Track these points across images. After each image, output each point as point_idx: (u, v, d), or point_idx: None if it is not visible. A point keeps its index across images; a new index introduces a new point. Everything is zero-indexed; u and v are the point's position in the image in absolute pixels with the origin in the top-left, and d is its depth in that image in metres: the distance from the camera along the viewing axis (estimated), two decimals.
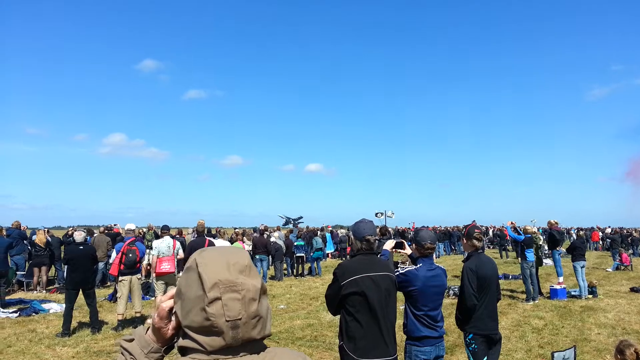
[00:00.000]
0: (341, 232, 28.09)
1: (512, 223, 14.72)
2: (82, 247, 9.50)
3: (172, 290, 1.28)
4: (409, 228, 30.91)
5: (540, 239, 13.50)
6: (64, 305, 9.89)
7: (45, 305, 11.70)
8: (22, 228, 15.50)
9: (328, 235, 25.74)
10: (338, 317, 3.74)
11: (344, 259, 26.06)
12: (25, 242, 14.78)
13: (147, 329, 1.33)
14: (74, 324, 9.38)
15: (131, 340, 1.31)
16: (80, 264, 9.27)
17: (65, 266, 12.66)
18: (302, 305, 12.28)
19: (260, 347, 1.21)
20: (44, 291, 14.45)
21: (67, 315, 9.04)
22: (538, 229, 15.12)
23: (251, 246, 16.65)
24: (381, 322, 3.57)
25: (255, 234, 20.88)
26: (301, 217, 63.58)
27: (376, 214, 29.01)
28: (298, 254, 18.97)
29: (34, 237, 15.07)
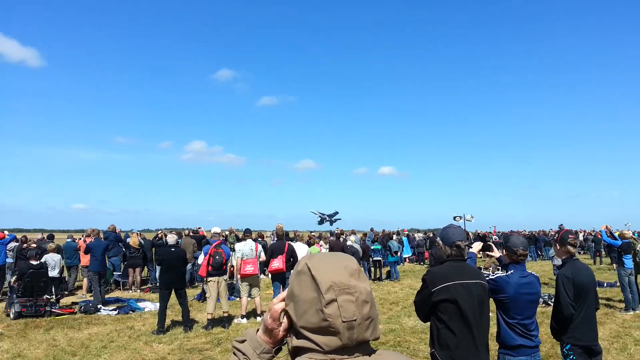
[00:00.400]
0: (418, 236, 27.60)
1: (607, 227, 13.75)
2: (173, 250, 10.07)
3: (282, 293, 1.35)
4: (490, 232, 29.78)
5: (638, 244, 12.53)
6: (157, 304, 10.53)
7: (140, 304, 12.52)
8: (116, 231, 16.67)
9: (404, 239, 25.40)
10: (421, 322, 3.69)
11: (421, 263, 25.60)
12: (120, 244, 15.86)
13: (257, 330, 1.41)
14: (167, 322, 9.95)
15: (243, 341, 1.39)
16: (172, 265, 9.84)
17: (158, 267, 13.46)
18: (382, 310, 12.22)
19: (370, 349, 1.26)
20: (139, 290, 15.45)
21: (162, 313, 9.62)
22: (634, 234, 13.99)
23: (328, 249, 16.83)
24: (474, 331, 3.47)
25: (331, 238, 21.04)
26: (337, 213, 58.77)
27: (454, 218, 28.20)
28: (375, 258, 18.89)
29: (127, 240, 16.18)
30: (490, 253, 4.61)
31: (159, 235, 17.04)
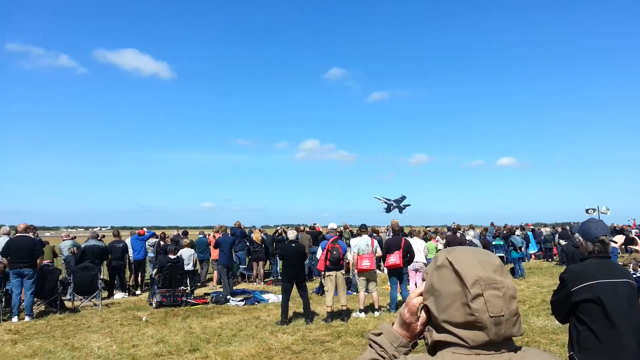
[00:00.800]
0: (545, 231, 25.73)
1: None
2: (293, 245, 10.51)
3: (420, 288, 1.33)
4: (629, 226, 26.85)
5: None
6: (280, 296, 11.04)
7: (265, 296, 13.24)
8: (241, 227, 17.75)
9: (530, 234, 23.83)
10: (551, 323, 3.42)
11: (549, 260, 23.85)
12: (245, 239, 16.88)
13: (392, 324, 1.41)
14: (290, 313, 10.40)
15: (379, 334, 1.41)
16: (293, 260, 10.28)
17: (279, 261, 14.10)
18: None
19: (515, 346, 1.22)
20: (262, 283, 16.35)
21: (284, 305, 10.09)
22: None
23: (444, 245, 16.36)
24: (623, 335, 3.14)
25: (448, 233, 20.40)
26: (404, 198, 50.65)
27: (587, 211, 25.88)
28: (498, 255, 17.98)
29: (251, 235, 17.16)
30: (635, 247, 4.16)
31: (279, 231, 17.83)
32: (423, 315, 1.31)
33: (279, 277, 16.37)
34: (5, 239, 11.84)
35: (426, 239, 14.96)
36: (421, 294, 1.31)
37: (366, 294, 10.94)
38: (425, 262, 13.35)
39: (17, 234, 11.23)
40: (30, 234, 11.86)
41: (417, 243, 12.83)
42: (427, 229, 22.35)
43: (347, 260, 12.45)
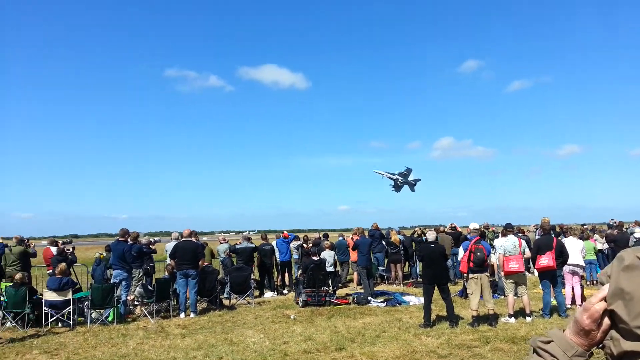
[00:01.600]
0: None
1: None
2: (433, 246, 10.30)
3: (602, 292, 1.23)
4: None
5: None
6: (421, 298, 10.90)
7: (405, 298, 13.17)
8: (378, 229, 17.85)
9: None
10: None
11: None
12: (383, 241, 16.95)
13: (563, 330, 1.31)
14: (432, 316, 10.20)
15: (548, 342, 1.30)
16: (433, 261, 10.08)
17: (419, 263, 13.92)
18: None
19: None
20: (402, 285, 16.28)
21: (427, 308, 9.93)
22: None
23: (608, 244, 14.73)
24: None
25: (608, 231, 18.34)
26: (410, 170, 40.16)
27: None
28: None
29: (389, 237, 17.17)
30: None
31: (417, 232, 17.59)
32: (607, 321, 1.20)
33: (419, 279, 16.16)
34: (173, 243, 13.39)
35: (583, 238, 13.64)
36: (604, 299, 1.21)
37: (515, 297, 10.30)
38: (583, 264, 12.19)
39: (183, 239, 12.65)
40: (193, 239, 13.26)
41: (573, 243, 11.77)
42: (584, 227, 20.33)
43: (492, 262, 11.87)
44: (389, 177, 39.88)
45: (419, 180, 40.71)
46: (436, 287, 10.16)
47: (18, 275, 11.07)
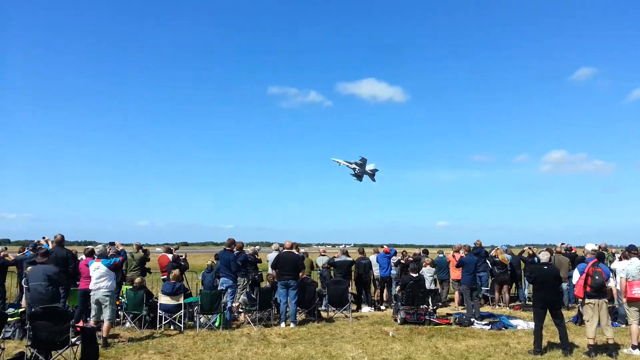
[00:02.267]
0: None
1: None
2: (547, 267, 9.61)
3: None
4: None
5: None
6: (530, 322, 10.21)
7: (512, 321, 12.40)
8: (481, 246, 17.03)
9: None
10: None
11: None
12: (487, 260, 16.15)
13: None
14: (543, 342, 9.49)
15: None
16: (546, 284, 9.39)
17: (529, 285, 13.08)
18: None
19: None
20: (507, 307, 15.37)
21: (538, 333, 9.26)
22: None
23: None
24: None
25: None
26: (365, 160, 39.80)
27: None
28: None
29: (490, 254, 16.31)
30: None
31: (527, 251, 16.52)
32: None
33: (527, 302, 15.18)
34: (275, 254, 13.83)
35: None
36: None
37: (639, 327, 9.28)
38: None
39: (285, 250, 13.04)
40: (294, 250, 13.60)
41: None
42: None
43: (611, 287, 10.83)
44: (347, 166, 39.93)
45: (376, 170, 41.23)
46: (548, 312, 9.45)
47: (137, 280, 12.07)
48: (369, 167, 40.17)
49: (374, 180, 41.12)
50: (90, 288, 10.11)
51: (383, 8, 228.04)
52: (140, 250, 14.04)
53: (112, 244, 12.83)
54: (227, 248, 13.02)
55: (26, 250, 12.97)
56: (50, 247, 12.20)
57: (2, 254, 11.99)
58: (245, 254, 13.95)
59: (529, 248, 16.73)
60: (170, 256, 14.34)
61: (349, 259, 15.41)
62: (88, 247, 11.47)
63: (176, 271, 12.24)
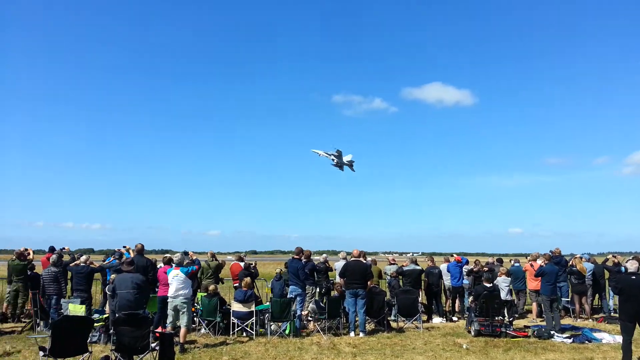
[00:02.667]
0: None
1: None
2: (634, 277, 8.90)
3: None
4: None
5: None
6: (616, 336, 9.52)
7: (596, 334, 11.61)
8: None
9: None
10: None
11: None
12: (566, 269, 15.27)
13: None
14: (632, 358, 8.82)
15: None
16: (633, 295, 8.71)
17: (614, 296, 12.26)
18: None
19: None
20: (591, 319, 14.44)
21: (626, 348, 8.62)
22: None
23: None
24: None
25: None
26: (340, 151, 41.91)
27: None
28: None
29: (570, 264, 15.40)
30: None
31: (611, 260, 15.46)
32: None
33: (612, 314, 14.21)
34: (342, 262, 13.83)
35: None
36: None
37: None
38: None
39: (352, 259, 13.01)
40: (362, 259, 13.54)
41: None
42: None
43: None
44: (326, 157, 42.59)
45: (353, 161, 44.22)
46: (637, 326, 8.77)
47: (211, 287, 12.48)
48: (345, 157, 43.27)
49: (353, 170, 44.17)
50: (168, 295, 10.58)
51: (447, 10, 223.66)
52: (215, 259, 14.52)
53: (185, 253, 13.39)
54: (296, 256, 13.19)
55: (112, 259, 13.77)
56: (131, 255, 12.92)
57: (87, 262, 12.77)
58: (313, 262, 14.06)
59: (613, 256, 15.64)
60: (242, 264, 14.73)
61: (418, 267, 15.12)
62: (166, 255, 11.98)
63: (247, 279, 12.54)
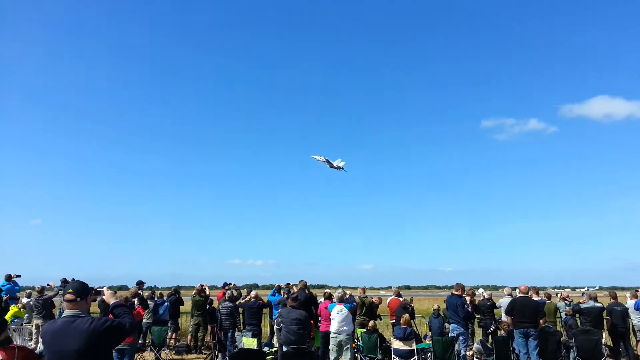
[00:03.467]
0: None
1: None
2: None
3: None
4: None
5: None
6: None
7: None
8: None
9: None
10: None
11: None
12: None
13: None
14: None
15: None
16: None
17: None
18: None
19: None
20: None
21: None
22: None
23: None
24: None
25: None
26: (329, 160, 51.43)
27: None
28: None
29: None
30: None
31: None
32: None
33: None
34: (507, 299, 12.91)
35: None
36: None
37: None
38: None
39: (520, 295, 12.04)
40: (533, 295, 12.47)
41: None
42: None
43: None
44: (323, 162, 51.57)
45: (343, 165, 53.09)
46: None
47: (371, 323, 12.51)
48: (336, 162, 52.85)
49: (345, 171, 54.50)
50: (330, 330, 10.85)
51: (607, 11, 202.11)
52: (367, 295, 14.63)
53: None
54: (455, 292, 12.64)
55: (276, 294, 14.66)
56: (294, 291, 13.60)
57: (257, 297, 13.73)
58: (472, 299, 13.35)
59: None
60: (401, 300, 14.58)
61: (598, 304, 13.43)
62: (326, 291, 12.39)
63: (406, 316, 12.32)
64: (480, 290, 15.62)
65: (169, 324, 14.80)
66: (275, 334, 12.23)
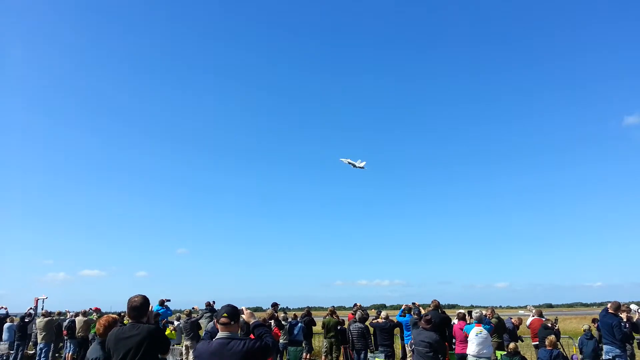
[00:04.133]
0: None
1: None
2: None
3: None
4: None
5: None
6: None
7: None
8: None
9: None
10: None
11: None
12: None
13: None
14: None
15: None
16: None
17: None
18: None
19: None
20: None
21: None
22: None
23: None
24: None
25: None
26: (352, 163, 68.71)
27: None
28: None
29: None
30: None
31: None
32: None
33: None
34: None
35: None
36: None
37: None
38: None
39: None
40: None
41: None
42: None
43: None
44: (349, 164, 67.12)
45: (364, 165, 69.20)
46: None
47: (511, 345, 11.65)
48: (357, 162, 66.98)
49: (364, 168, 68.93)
50: (468, 353, 10.38)
51: None
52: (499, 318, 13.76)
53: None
54: (610, 311, 11.41)
55: (406, 315, 14.44)
56: (422, 311, 13.27)
57: (387, 318, 13.62)
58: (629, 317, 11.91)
59: None
60: (544, 320, 13.54)
61: None
62: (460, 311, 11.92)
63: (552, 337, 11.38)
64: (633, 306, 13.82)
65: (303, 344, 15.25)
66: (407, 355, 12.00)
